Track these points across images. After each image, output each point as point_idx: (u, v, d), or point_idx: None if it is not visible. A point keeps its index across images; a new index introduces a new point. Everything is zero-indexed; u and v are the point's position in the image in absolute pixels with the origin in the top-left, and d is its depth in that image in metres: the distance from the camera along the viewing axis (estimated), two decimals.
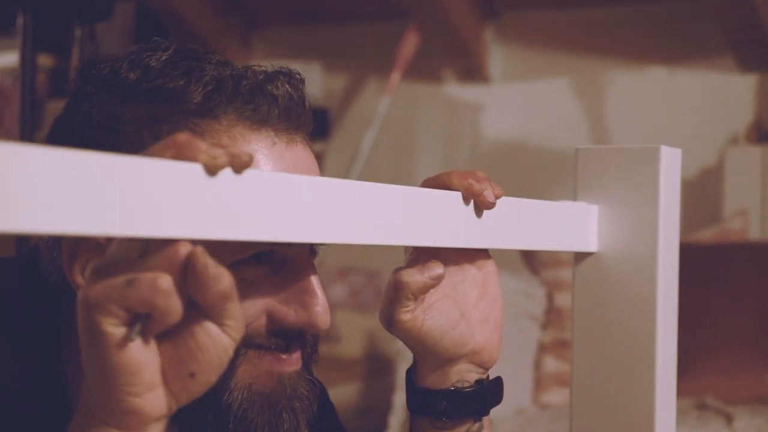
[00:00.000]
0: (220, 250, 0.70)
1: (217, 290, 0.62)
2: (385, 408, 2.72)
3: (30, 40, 2.79)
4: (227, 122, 0.80)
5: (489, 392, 0.91)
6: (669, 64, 3.31)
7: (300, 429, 0.84)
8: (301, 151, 0.84)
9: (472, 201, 0.80)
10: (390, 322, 0.85)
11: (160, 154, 0.61)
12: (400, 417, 2.49)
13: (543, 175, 3.45)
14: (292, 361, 0.83)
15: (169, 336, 0.64)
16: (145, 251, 0.61)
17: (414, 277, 0.83)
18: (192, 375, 0.64)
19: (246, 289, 0.79)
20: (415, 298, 0.84)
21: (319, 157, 3.85)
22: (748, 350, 2.52)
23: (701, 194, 3.12)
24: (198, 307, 0.63)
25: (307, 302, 0.82)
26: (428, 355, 0.88)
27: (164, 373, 0.64)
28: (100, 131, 0.81)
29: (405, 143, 3.73)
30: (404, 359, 2.49)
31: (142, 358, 0.63)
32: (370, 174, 3.54)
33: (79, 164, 0.52)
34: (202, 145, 0.61)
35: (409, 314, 0.84)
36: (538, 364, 2.67)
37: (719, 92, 3.24)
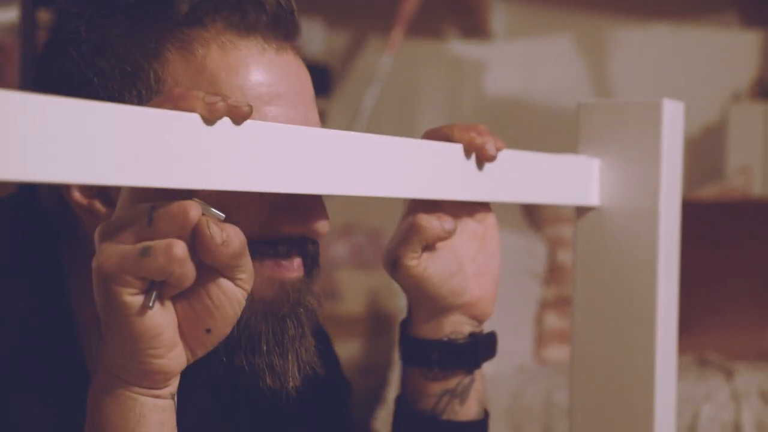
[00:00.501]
0: None
1: (227, 253, 0.64)
2: (386, 365, 2.73)
3: None
4: (215, 30, 0.80)
5: (482, 346, 0.91)
6: (672, 21, 3.28)
7: (305, 337, 0.84)
8: (293, 60, 0.84)
9: (473, 154, 0.80)
10: (396, 264, 0.86)
11: (157, 107, 0.61)
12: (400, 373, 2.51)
13: (546, 132, 3.44)
14: (294, 268, 0.83)
15: (184, 295, 0.65)
16: (152, 214, 0.62)
17: (432, 223, 0.84)
18: (209, 330, 0.66)
19: (246, 194, 0.80)
20: (426, 245, 0.85)
21: (322, 115, 3.83)
22: (749, 307, 2.53)
23: (704, 151, 3.11)
24: (209, 265, 0.64)
25: (306, 208, 0.82)
26: (425, 302, 0.89)
27: (181, 330, 0.66)
28: (89, 48, 0.80)
29: (407, 101, 3.71)
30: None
31: (162, 321, 0.64)
32: (372, 131, 3.53)
33: (77, 113, 0.52)
34: (199, 95, 0.60)
35: (416, 260, 0.85)
36: (539, 321, 2.68)
37: (722, 49, 3.22)
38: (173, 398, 0.68)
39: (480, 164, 0.80)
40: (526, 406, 2.33)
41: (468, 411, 0.92)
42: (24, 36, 2.76)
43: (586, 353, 0.92)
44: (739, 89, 3.18)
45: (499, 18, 3.58)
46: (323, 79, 3.61)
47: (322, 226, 0.83)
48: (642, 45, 3.34)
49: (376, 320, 3.50)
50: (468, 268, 0.89)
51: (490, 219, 0.91)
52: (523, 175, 0.86)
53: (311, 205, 0.82)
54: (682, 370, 0.90)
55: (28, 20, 2.77)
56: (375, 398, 2.64)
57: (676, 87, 3.23)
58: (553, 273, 2.70)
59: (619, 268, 0.90)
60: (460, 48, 3.64)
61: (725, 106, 3.15)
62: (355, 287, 3.55)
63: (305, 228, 0.82)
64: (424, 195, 0.76)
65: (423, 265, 0.85)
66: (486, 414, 0.95)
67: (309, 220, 0.82)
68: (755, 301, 2.53)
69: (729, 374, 2.30)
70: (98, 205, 0.80)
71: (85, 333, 0.82)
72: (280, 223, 0.81)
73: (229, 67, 0.79)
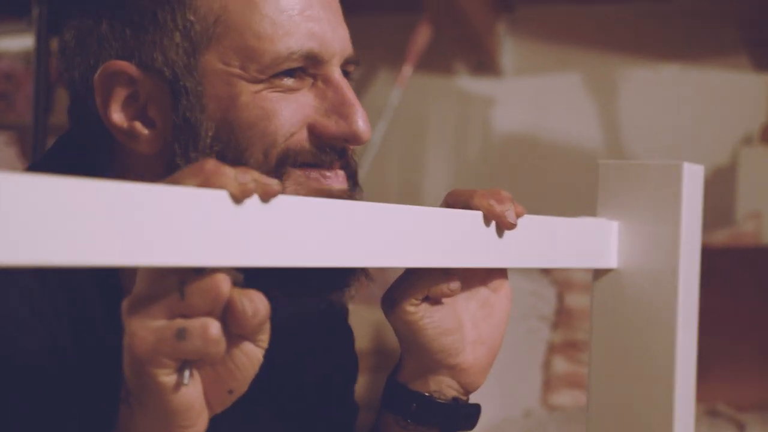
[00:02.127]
0: (257, 66, 0.77)
1: (256, 323, 0.64)
2: None
3: (44, 25, 2.78)
4: None
5: (462, 413, 0.91)
6: (683, 62, 3.29)
7: None
8: None
9: (493, 222, 0.79)
10: (393, 305, 0.86)
11: (186, 182, 0.61)
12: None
13: (554, 170, 3.44)
14: (339, 179, 0.84)
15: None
16: (183, 289, 0.62)
17: (439, 277, 0.84)
18: (231, 391, 0.67)
19: (286, 100, 0.81)
20: (427, 298, 0.85)
21: None
22: (761, 356, 2.52)
23: (714, 195, 3.09)
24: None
25: (346, 113, 0.83)
26: (415, 352, 0.88)
27: (205, 394, 0.66)
28: (124, 32, 0.82)
29: (416, 135, 3.72)
30: None
31: (194, 394, 0.65)
32: (380, 166, 3.54)
33: (104, 193, 0.51)
34: (230, 172, 0.60)
35: (414, 306, 0.85)
36: (547, 365, 2.67)
37: (733, 91, 3.22)
38: None
39: (500, 232, 0.80)
40: None
41: None
42: (37, 64, 2.77)
43: (604, 416, 0.91)
44: (749, 132, 3.18)
45: (508, 54, 3.59)
46: None
47: (364, 127, 0.83)
48: (652, 86, 3.34)
49: (381, 356, 3.49)
50: (468, 333, 0.89)
51: (504, 289, 0.91)
52: (541, 240, 0.85)
53: (352, 109, 0.83)
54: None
55: (41, 48, 2.78)
56: None
57: (686, 129, 3.23)
58: (562, 316, 2.69)
59: (638, 329, 0.89)
60: (470, 83, 3.65)
61: (736, 150, 3.14)
62: (360, 322, 3.54)
63: (347, 130, 0.83)
64: (445, 264, 0.76)
65: (420, 314, 0.85)
66: None
67: (351, 121, 0.82)
68: (766, 350, 2.51)
69: (740, 427, 2.28)
70: (139, 126, 0.81)
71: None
72: (322, 127, 0.82)
73: None
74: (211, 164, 0.62)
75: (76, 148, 0.87)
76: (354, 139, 0.83)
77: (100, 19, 0.83)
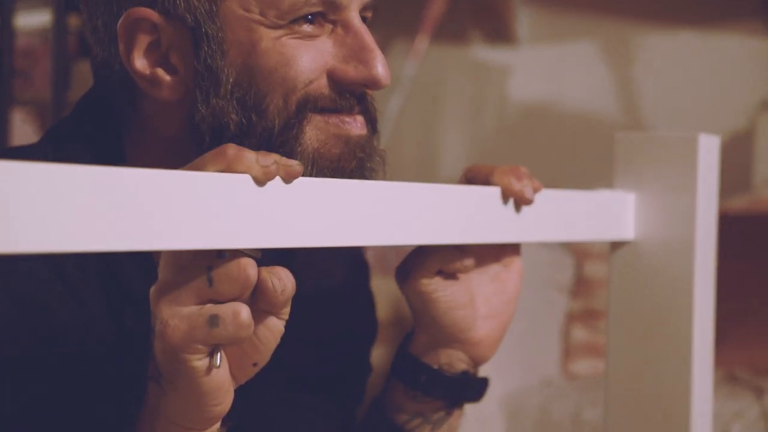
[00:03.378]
0: (276, 12, 0.78)
1: (284, 300, 0.66)
2: None
3: (62, 1, 2.79)
4: None
5: (470, 387, 0.92)
6: (699, 28, 3.27)
7: None
8: None
9: (510, 199, 0.80)
10: (407, 277, 0.87)
11: (209, 167, 0.62)
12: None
13: (570, 138, 3.43)
14: (358, 125, 0.84)
15: None
16: (211, 275, 0.63)
17: (454, 253, 0.85)
18: (255, 364, 0.68)
19: (305, 46, 0.81)
20: (441, 272, 0.86)
21: None
22: None
23: (731, 161, 3.08)
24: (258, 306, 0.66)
25: (365, 58, 0.82)
26: (428, 325, 0.89)
27: (230, 369, 0.68)
28: None
29: (432, 106, 3.71)
30: None
31: (224, 375, 0.67)
32: (397, 138, 3.54)
33: (132, 180, 0.53)
34: (252, 156, 0.61)
35: (427, 279, 0.86)
36: (566, 334, 2.67)
37: (751, 57, 3.20)
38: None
39: (517, 208, 0.81)
40: (555, 422, 2.32)
41: None
42: (55, 40, 2.78)
43: (622, 385, 0.92)
44: (767, 97, 3.16)
45: (524, 23, 3.57)
46: None
47: (383, 71, 0.83)
48: (668, 52, 3.32)
49: (401, 327, 3.50)
50: (480, 308, 0.90)
51: (515, 264, 0.91)
52: (558, 214, 0.86)
53: (371, 54, 0.83)
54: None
55: (59, 24, 2.79)
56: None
57: (703, 95, 3.21)
58: (580, 286, 2.70)
59: (655, 300, 0.90)
60: (485, 53, 3.64)
61: (753, 115, 3.13)
62: (380, 294, 3.56)
63: (367, 74, 0.82)
64: (463, 240, 0.76)
65: (433, 287, 0.87)
66: None
67: (370, 66, 0.82)
68: None
69: (759, 392, 2.28)
70: (161, 72, 0.82)
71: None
72: (342, 71, 0.82)
73: None
74: (232, 149, 0.63)
75: (100, 101, 0.87)
76: (373, 83, 0.83)
77: None
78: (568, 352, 2.66)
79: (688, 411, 0.89)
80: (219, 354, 0.65)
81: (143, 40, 0.82)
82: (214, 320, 0.63)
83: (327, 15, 0.83)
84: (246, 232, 0.59)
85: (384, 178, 0.86)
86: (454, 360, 0.90)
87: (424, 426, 0.92)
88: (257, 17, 0.80)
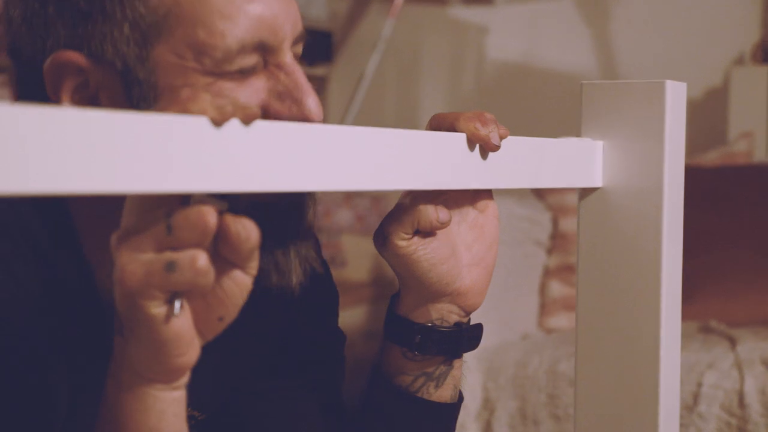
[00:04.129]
0: (211, 60, 0.77)
1: (248, 248, 0.65)
2: None
3: None
4: None
5: (465, 337, 0.92)
6: None
7: (305, 233, 0.87)
8: None
9: (477, 145, 0.80)
10: (385, 242, 0.87)
11: (164, 110, 0.62)
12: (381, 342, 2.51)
13: (548, 97, 3.44)
14: None
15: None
16: (170, 222, 0.63)
17: (428, 209, 0.85)
18: (221, 318, 0.68)
19: (240, 87, 0.81)
20: (418, 230, 0.86)
21: (323, 81, 3.83)
22: (753, 273, 2.53)
23: (706, 116, 3.10)
24: (221, 256, 0.66)
25: (299, 98, 0.83)
26: (413, 285, 0.89)
27: (195, 323, 0.68)
28: None
29: (410, 66, 3.70)
30: None
31: (184, 324, 0.66)
32: (374, 98, 3.53)
33: (85, 122, 0.52)
34: (207, 97, 0.61)
35: (405, 240, 0.86)
36: (543, 289, 2.69)
37: (725, 12, 3.20)
38: (185, 387, 0.71)
39: (484, 154, 0.81)
40: (531, 375, 2.34)
41: (443, 394, 0.93)
42: None
43: (591, 332, 0.93)
44: (742, 53, 3.17)
45: None
46: (325, 45, 3.59)
47: (317, 111, 0.83)
48: (643, 8, 3.32)
49: (380, 286, 3.51)
50: (462, 257, 0.90)
51: (491, 208, 0.91)
52: (525, 161, 0.86)
53: (304, 94, 0.83)
54: (684, 338, 0.92)
55: None
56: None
57: (678, 50, 3.22)
58: (557, 241, 2.71)
59: (624, 246, 0.91)
60: (463, 12, 3.63)
61: (728, 70, 3.14)
62: (359, 253, 3.56)
63: (300, 115, 0.83)
64: (428, 186, 0.76)
65: (413, 247, 0.86)
66: (460, 398, 0.96)
67: (303, 107, 0.83)
68: (759, 267, 2.53)
69: (732, 342, 2.30)
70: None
71: (83, 232, 0.85)
72: (276, 111, 0.82)
73: None
74: (186, 91, 0.62)
75: None
76: (306, 122, 0.83)
77: (47, 4, 0.81)
78: (546, 306, 2.68)
79: (656, 359, 0.89)
80: (178, 302, 0.65)
81: (71, 83, 0.81)
82: (171, 266, 0.63)
83: (260, 55, 0.82)
84: (203, 175, 0.59)
85: (314, 212, 0.87)
86: (445, 313, 0.90)
87: (428, 383, 0.92)
88: (191, 64, 0.79)
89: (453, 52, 3.68)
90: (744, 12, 3.18)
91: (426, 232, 0.87)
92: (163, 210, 0.63)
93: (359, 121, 3.32)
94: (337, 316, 1.07)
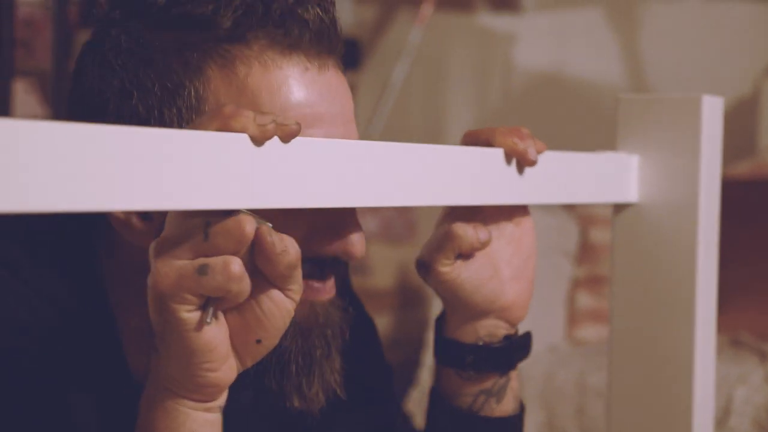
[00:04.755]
0: None
1: (285, 263, 0.64)
2: (417, 340, 2.74)
3: None
4: (258, 47, 0.79)
5: (516, 348, 0.92)
6: None
7: (331, 355, 0.85)
8: (333, 77, 0.83)
9: (514, 159, 0.80)
10: (428, 270, 0.86)
11: (206, 126, 0.62)
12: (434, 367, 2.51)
13: (576, 106, 3.42)
14: (326, 290, 0.84)
15: (236, 306, 0.66)
16: (208, 230, 0.62)
17: (467, 232, 0.84)
18: (259, 341, 0.67)
19: (282, 216, 0.80)
20: (460, 254, 0.85)
21: (351, 88, 3.82)
22: None
23: (736, 126, 3.08)
24: (261, 274, 0.65)
25: (344, 232, 0.82)
26: (459, 307, 0.89)
27: (232, 341, 0.66)
28: (130, 59, 0.80)
29: (437, 74, 3.70)
30: (437, 298, 2.49)
31: (217, 335, 0.65)
32: (401, 106, 3.53)
33: (127, 139, 0.52)
34: (250, 114, 0.61)
35: (449, 266, 0.86)
36: (571, 300, 2.68)
37: (756, 22, 3.18)
38: (221, 411, 0.69)
39: (520, 169, 0.80)
40: (559, 387, 2.33)
41: (505, 407, 0.92)
42: (56, 10, 2.77)
43: (625, 347, 0.92)
44: None
45: None
46: (352, 53, 3.60)
47: (360, 248, 0.82)
48: (673, 18, 3.30)
49: (405, 294, 3.51)
50: (503, 272, 0.89)
51: (526, 221, 0.91)
52: (561, 176, 0.86)
53: (349, 228, 0.82)
54: (715, 352, 0.91)
55: None
56: (407, 379, 2.65)
57: (709, 61, 3.20)
58: (585, 252, 2.70)
59: (658, 263, 0.90)
60: (490, 20, 3.62)
61: (758, 81, 3.12)
62: (384, 261, 3.56)
63: (342, 249, 0.82)
64: (465, 202, 0.76)
65: (456, 272, 0.86)
66: (522, 407, 0.95)
67: (346, 241, 0.81)
68: None
69: (763, 356, 2.29)
70: (135, 219, 0.79)
71: (127, 339, 0.83)
72: (318, 242, 0.81)
73: (270, 86, 0.78)
74: (229, 108, 0.62)
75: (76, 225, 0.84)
76: (348, 257, 0.82)
77: (108, 100, 0.80)
78: (573, 318, 2.67)
79: (691, 374, 0.89)
80: (211, 309, 0.64)
81: None
82: (203, 269, 0.62)
83: None
84: (242, 191, 0.59)
85: (346, 336, 0.86)
86: (493, 329, 0.90)
87: (489, 400, 0.92)
88: None
89: (480, 60, 3.67)
90: None
91: (468, 254, 0.86)
92: (202, 219, 0.62)
93: (386, 129, 3.32)
94: (381, 349, 1.06)
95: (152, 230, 0.79)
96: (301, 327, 0.82)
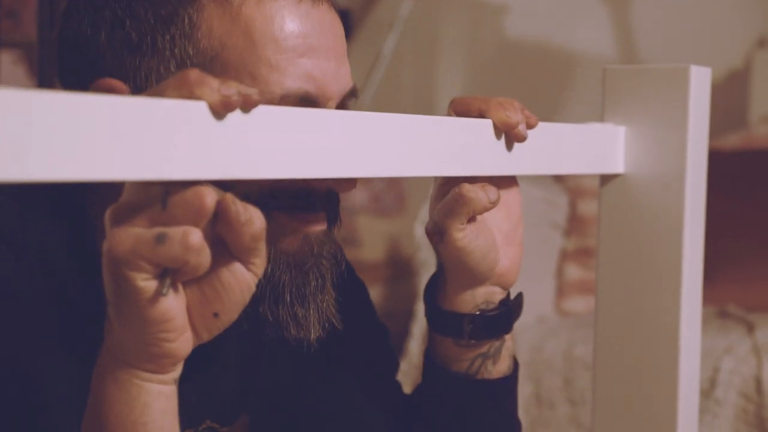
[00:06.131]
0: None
1: (248, 233, 0.62)
2: (407, 312, 2.74)
3: None
4: None
5: (511, 311, 0.92)
6: None
7: (326, 289, 0.85)
8: (327, 12, 0.84)
9: (504, 133, 0.80)
10: (442, 236, 0.86)
11: (169, 93, 0.60)
12: (422, 326, 2.51)
13: (567, 77, 3.42)
14: (318, 221, 0.84)
15: (195, 277, 0.64)
16: (166, 199, 0.60)
17: (478, 194, 0.83)
18: (216, 314, 0.65)
19: None
20: (474, 216, 0.85)
21: None
22: None
23: (726, 98, 3.08)
24: (223, 246, 0.63)
25: None
26: (463, 274, 0.89)
27: (189, 313, 0.65)
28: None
29: (427, 46, 3.69)
30: (427, 269, 2.50)
31: (174, 305, 0.63)
32: (392, 78, 3.51)
33: (86, 107, 0.51)
34: (214, 83, 0.59)
35: (463, 232, 0.85)
36: (560, 272, 2.68)
37: None
38: (176, 383, 0.67)
39: (509, 141, 0.80)
40: (547, 359, 2.34)
41: (500, 368, 0.93)
42: None
43: (611, 319, 0.92)
44: (763, 35, 3.14)
45: None
46: (343, 24, 3.58)
47: (349, 182, 0.83)
48: None
49: (394, 267, 3.51)
50: (497, 238, 0.90)
51: (514, 188, 0.91)
52: (549, 147, 0.85)
53: None
54: (702, 323, 0.91)
55: None
56: (397, 349, 2.65)
57: (700, 32, 3.19)
58: (574, 223, 2.70)
59: (644, 234, 0.90)
60: None
61: (750, 52, 3.11)
62: (373, 234, 3.56)
63: (334, 181, 0.83)
64: (455, 172, 0.76)
65: (468, 237, 0.86)
66: (516, 364, 0.96)
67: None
68: None
69: (750, 327, 2.29)
70: None
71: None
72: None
73: (264, 15, 0.80)
74: (194, 74, 0.60)
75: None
76: (339, 188, 0.83)
77: (99, 31, 0.82)
78: (562, 289, 2.67)
79: (677, 346, 0.89)
80: (168, 280, 0.61)
81: None
82: (161, 238, 0.60)
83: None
84: (202, 162, 0.57)
85: (342, 270, 0.87)
86: (490, 296, 0.90)
87: (486, 362, 0.92)
88: None
89: (471, 32, 3.66)
90: None
91: (473, 218, 0.86)
92: (161, 187, 0.61)
93: (377, 101, 3.31)
94: (374, 312, 1.06)
95: None
96: (294, 258, 0.83)
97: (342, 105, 0.86)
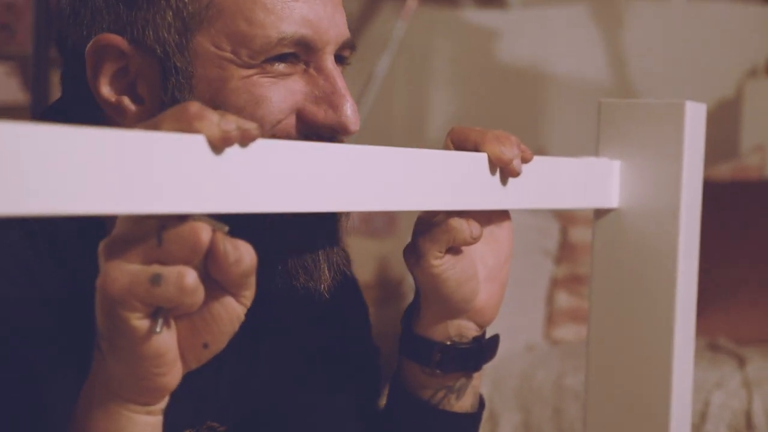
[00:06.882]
0: (248, 51, 0.78)
1: (238, 272, 0.63)
2: (396, 334, 2.74)
3: None
4: None
5: (484, 351, 0.92)
6: None
7: (336, 238, 0.86)
8: None
9: (498, 168, 0.79)
10: (419, 260, 0.85)
11: (167, 125, 0.60)
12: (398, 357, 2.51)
13: (559, 103, 3.42)
14: None
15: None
16: (162, 234, 0.60)
17: (462, 226, 0.83)
18: (206, 345, 0.65)
19: (276, 85, 0.81)
20: (453, 247, 0.85)
21: None
22: (763, 291, 2.51)
23: (718, 128, 3.09)
24: (213, 279, 0.63)
25: (336, 102, 0.82)
26: (436, 302, 0.88)
27: (179, 344, 0.65)
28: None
29: (420, 68, 3.70)
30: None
31: (167, 342, 0.63)
32: (384, 99, 3.52)
33: (83, 140, 0.50)
34: (214, 117, 0.59)
35: (439, 259, 0.85)
36: (550, 299, 2.68)
37: (739, 23, 3.19)
38: (162, 413, 0.68)
39: (503, 175, 0.80)
40: (537, 388, 2.33)
41: (464, 404, 0.93)
42: None
43: (604, 352, 0.92)
44: (755, 65, 3.15)
45: None
46: None
47: (354, 120, 0.83)
48: (657, 16, 3.31)
49: (385, 288, 3.50)
50: (480, 273, 0.89)
51: (506, 224, 0.91)
52: (543, 181, 0.85)
53: (341, 100, 0.82)
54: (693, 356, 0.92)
55: None
56: (384, 372, 2.64)
57: (691, 61, 3.20)
58: (565, 251, 2.70)
59: (638, 269, 0.90)
60: (474, 15, 3.62)
61: (741, 82, 3.12)
62: (364, 255, 3.55)
63: (336, 120, 0.82)
64: (445, 207, 0.75)
65: (444, 266, 0.85)
66: (482, 404, 0.96)
67: (341, 113, 0.82)
68: None
69: (741, 361, 2.29)
70: (127, 101, 0.81)
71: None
72: (311, 111, 0.82)
73: None
74: (194, 107, 0.60)
75: (65, 119, 0.85)
76: (342, 129, 0.83)
77: None
78: (552, 317, 2.67)
79: (669, 379, 0.89)
80: (161, 319, 0.62)
81: (111, 67, 0.81)
82: (156, 279, 0.60)
83: (300, 55, 0.82)
84: (199, 195, 0.57)
85: (346, 223, 0.87)
86: (463, 329, 0.90)
87: (449, 396, 0.92)
88: (228, 55, 0.80)
89: (464, 55, 3.67)
90: (757, 24, 3.16)
91: (456, 249, 0.86)
92: (156, 221, 0.60)
93: (368, 122, 3.31)
94: (369, 329, 1.06)
95: (145, 114, 0.81)
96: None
97: (340, 56, 0.86)
